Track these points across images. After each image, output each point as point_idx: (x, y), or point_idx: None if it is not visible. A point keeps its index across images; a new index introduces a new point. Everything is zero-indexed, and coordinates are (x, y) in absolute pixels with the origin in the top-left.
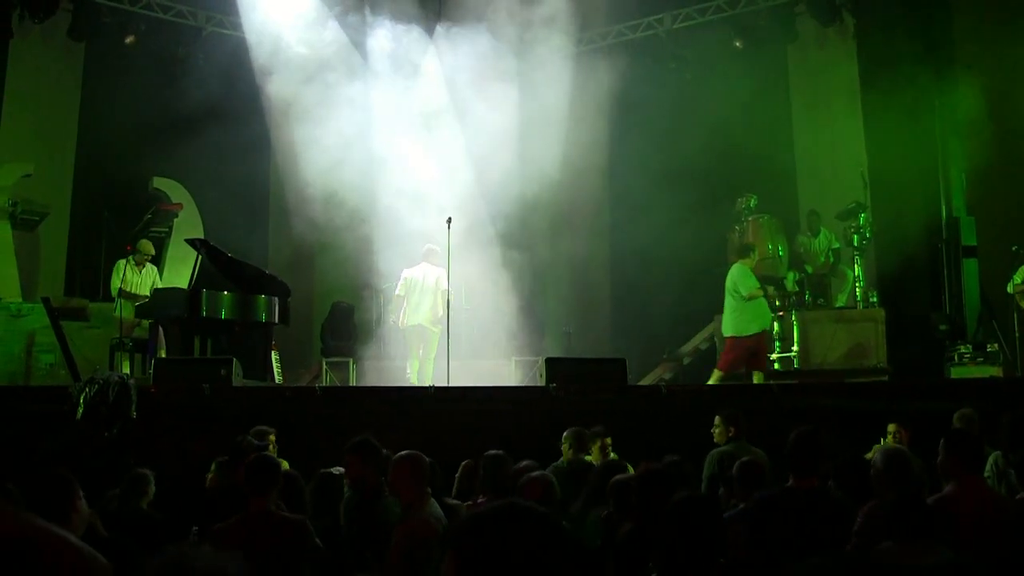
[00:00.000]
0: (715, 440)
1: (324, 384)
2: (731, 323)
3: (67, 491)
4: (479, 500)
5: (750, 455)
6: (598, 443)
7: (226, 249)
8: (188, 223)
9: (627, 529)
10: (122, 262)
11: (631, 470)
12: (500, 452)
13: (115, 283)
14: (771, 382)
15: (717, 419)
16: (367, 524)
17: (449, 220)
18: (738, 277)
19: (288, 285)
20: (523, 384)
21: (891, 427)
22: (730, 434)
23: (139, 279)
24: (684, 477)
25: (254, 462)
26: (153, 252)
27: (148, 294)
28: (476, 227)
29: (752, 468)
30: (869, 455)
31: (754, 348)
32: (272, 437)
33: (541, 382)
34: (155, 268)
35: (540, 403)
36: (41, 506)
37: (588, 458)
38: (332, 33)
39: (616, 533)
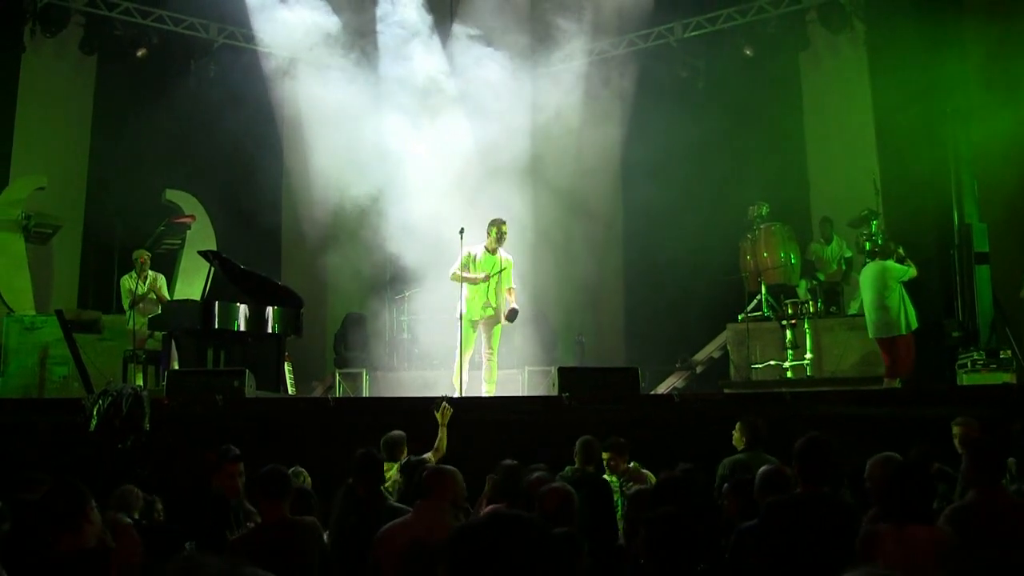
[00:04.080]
0: (735, 445)
1: (337, 395)
2: (904, 319)
3: (80, 502)
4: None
5: (765, 464)
6: (608, 455)
7: (239, 260)
8: (201, 235)
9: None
10: (125, 277)
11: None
12: (515, 462)
13: (125, 300)
14: (784, 390)
15: (738, 425)
16: (360, 535)
17: (462, 231)
18: (896, 271)
19: (301, 296)
20: (536, 394)
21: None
22: (744, 443)
23: (143, 289)
24: (697, 485)
25: (265, 472)
26: (145, 258)
27: (155, 301)
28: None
29: (773, 477)
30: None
31: None
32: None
33: (554, 391)
34: (161, 276)
35: (553, 413)
36: (55, 516)
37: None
38: (344, 43)
39: (632, 541)
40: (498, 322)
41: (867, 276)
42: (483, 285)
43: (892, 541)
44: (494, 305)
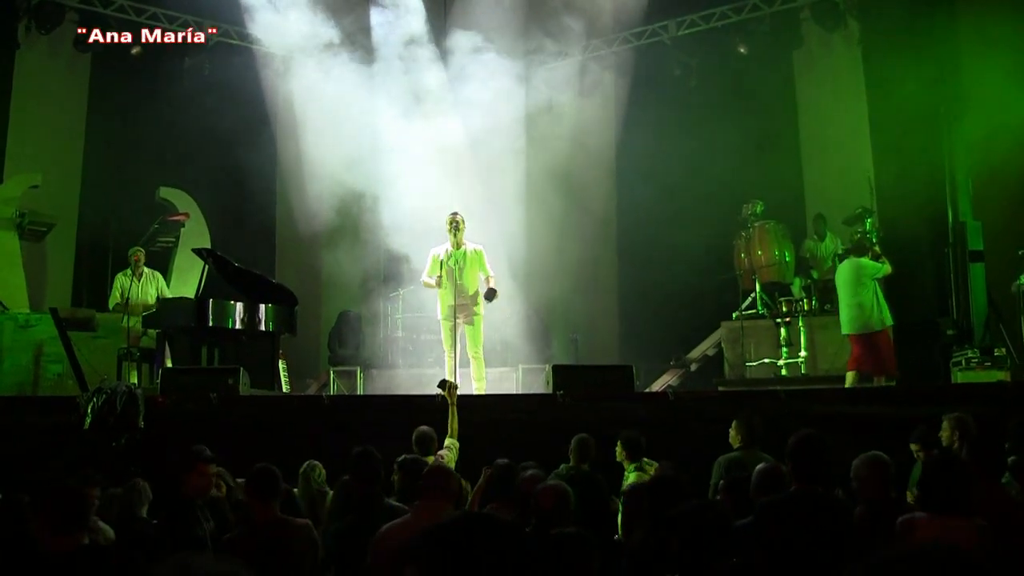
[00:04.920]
0: (731, 443)
1: (331, 393)
2: (879, 316)
3: (83, 503)
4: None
5: (760, 462)
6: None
7: (233, 258)
8: (195, 232)
9: (640, 535)
10: (120, 275)
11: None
12: (509, 462)
13: (113, 298)
14: (778, 388)
15: (734, 423)
16: (355, 535)
17: (453, 228)
18: (869, 268)
19: (295, 294)
20: (530, 391)
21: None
22: (740, 441)
23: (139, 288)
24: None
25: (256, 471)
26: (139, 256)
27: (152, 302)
28: (482, 235)
29: (770, 476)
30: None
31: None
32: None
33: (548, 389)
34: (158, 273)
35: (548, 410)
36: (57, 517)
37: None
38: (338, 41)
39: (629, 538)
40: (470, 319)
41: (842, 273)
42: (448, 285)
43: (929, 530)
44: (460, 303)
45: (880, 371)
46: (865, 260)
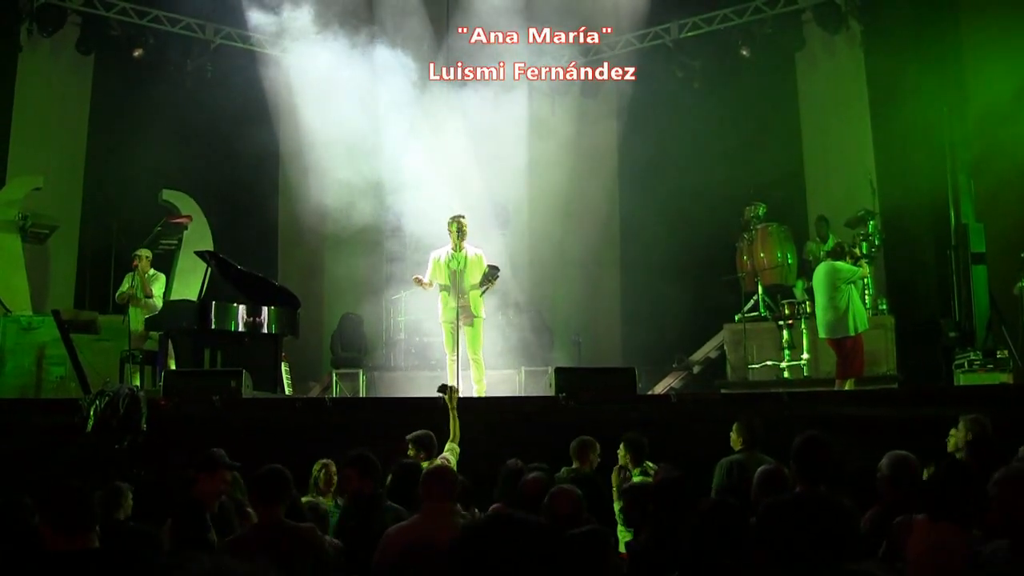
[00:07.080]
0: (732, 445)
1: (334, 395)
2: (852, 321)
3: (88, 505)
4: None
5: (762, 464)
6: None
7: (236, 261)
8: (197, 235)
9: (644, 537)
10: (128, 276)
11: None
12: (518, 463)
13: (120, 295)
14: (781, 390)
15: (735, 425)
16: (363, 535)
17: (456, 227)
18: (845, 272)
19: (298, 297)
20: (533, 394)
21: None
22: (741, 443)
23: (137, 288)
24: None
25: (261, 474)
26: (143, 258)
27: (156, 302)
28: (485, 237)
29: (772, 477)
30: None
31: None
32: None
33: (551, 392)
34: (161, 276)
35: (550, 413)
36: (61, 519)
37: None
38: (341, 45)
39: (634, 540)
40: (470, 322)
41: (818, 277)
42: (449, 287)
43: (922, 534)
44: (460, 305)
45: (843, 374)
46: (841, 264)
